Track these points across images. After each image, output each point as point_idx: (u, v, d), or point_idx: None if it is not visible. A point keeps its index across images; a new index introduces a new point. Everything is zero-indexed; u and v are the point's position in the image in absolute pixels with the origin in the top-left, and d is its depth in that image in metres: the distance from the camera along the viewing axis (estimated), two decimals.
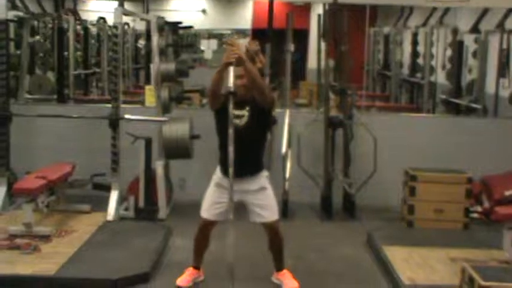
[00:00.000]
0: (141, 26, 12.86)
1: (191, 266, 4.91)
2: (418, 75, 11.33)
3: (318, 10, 9.85)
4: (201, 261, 4.92)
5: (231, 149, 4.25)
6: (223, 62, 4.33)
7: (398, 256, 5.39)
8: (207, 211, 4.70)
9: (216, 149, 4.68)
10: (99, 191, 6.74)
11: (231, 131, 4.23)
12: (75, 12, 11.25)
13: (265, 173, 4.70)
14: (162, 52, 6.97)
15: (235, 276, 4.27)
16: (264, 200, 4.64)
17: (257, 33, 13.85)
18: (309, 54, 15.59)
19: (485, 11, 9.02)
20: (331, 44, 7.42)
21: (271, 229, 4.72)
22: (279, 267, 4.88)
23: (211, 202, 4.68)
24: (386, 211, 7.04)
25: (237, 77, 4.35)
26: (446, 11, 10.65)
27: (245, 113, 4.53)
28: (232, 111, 4.27)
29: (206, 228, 4.75)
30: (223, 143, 4.42)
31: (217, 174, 4.70)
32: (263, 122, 4.62)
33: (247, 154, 4.50)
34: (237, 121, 4.43)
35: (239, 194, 4.48)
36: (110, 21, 7.78)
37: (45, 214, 6.10)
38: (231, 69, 4.29)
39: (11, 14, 6.99)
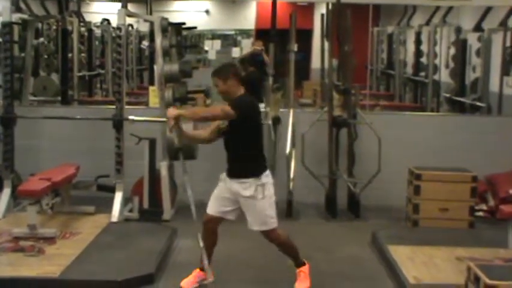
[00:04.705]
0: (144, 27, 12.87)
1: (198, 267, 4.89)
2: (422, 74, 11.31)
3: (321, 10, 9.82)
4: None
5: None
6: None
7: (403, 255, 5.37)
8: (210, 206, 4.77)
9: (222, 149, 4.76)
10: (103, 193, 6.74)
11: None
12: (79, 14, 11.22)
13: (260, 181, 4.57)
14: (166, 53, 6.97)
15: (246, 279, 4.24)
16: (251, 209, 4.61)
17: (261, 34, 13.86)
18: (312, 54, 15.60)
19: (488, 10, 9.00)
20: (335, 44, 7.42)
21: (265, 237, 4.75)
22: (295, 264, 4.89)
23: (214, 197, 4.76)
24: (391, 210, 7.03)
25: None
26: (449, 9, 10.64)
27: (225, 121, 4.65)
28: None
29: (208, 223, 4.75)
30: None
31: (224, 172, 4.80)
32: (240, 129, 4.58)
33: (236, 158, 4.69)
34: (224, 128, 4.66)
35: (234, 195, 4.64)
36: (114, 22, 7.80)
37: (49, 216, 6.10)
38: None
39: (15, 17, 6.99)
